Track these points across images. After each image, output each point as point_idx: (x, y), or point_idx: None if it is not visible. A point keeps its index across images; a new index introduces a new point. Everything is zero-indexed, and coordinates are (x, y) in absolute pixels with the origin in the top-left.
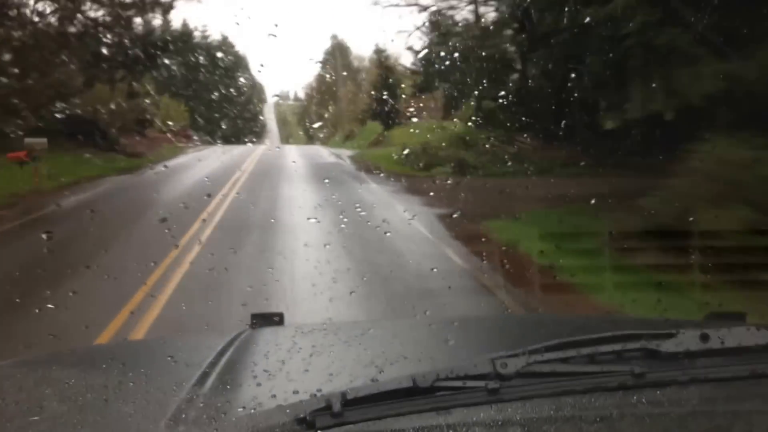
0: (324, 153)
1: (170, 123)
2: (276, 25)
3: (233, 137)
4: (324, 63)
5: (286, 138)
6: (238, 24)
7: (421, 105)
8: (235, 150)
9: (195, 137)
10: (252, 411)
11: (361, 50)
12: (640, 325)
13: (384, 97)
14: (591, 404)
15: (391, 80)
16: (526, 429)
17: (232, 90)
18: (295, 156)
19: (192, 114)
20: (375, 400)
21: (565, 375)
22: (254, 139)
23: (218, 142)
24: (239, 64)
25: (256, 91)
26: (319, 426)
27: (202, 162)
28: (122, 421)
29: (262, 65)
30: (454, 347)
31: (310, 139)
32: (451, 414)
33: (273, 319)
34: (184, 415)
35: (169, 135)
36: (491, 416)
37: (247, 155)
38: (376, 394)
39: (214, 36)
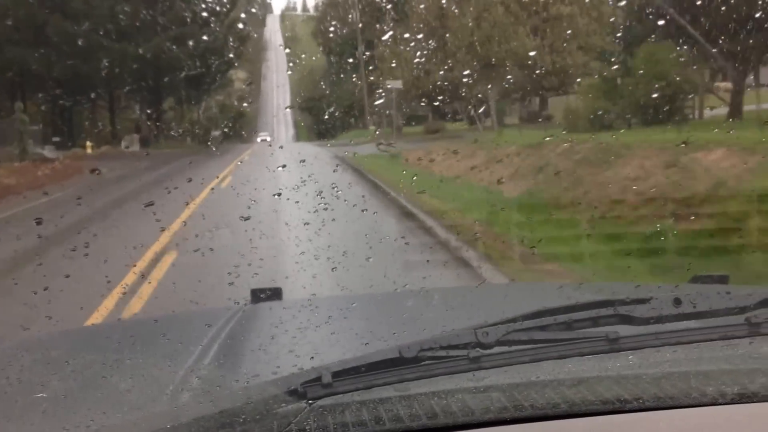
0: None
1: None
2: None
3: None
4: None
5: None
6: None
7: None
8: None
9: None
10: (246, 384)
11: None
12: (614, 291)
13: None
14: (569, 369)
15: None
16: (507, 394)
17: None
18: None
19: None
20: (363, 371)
21: (543, 342)
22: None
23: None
24: None
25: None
26: (310, 396)
27: None
28: (122, 397)
29: None
30: (439, 318)
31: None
32: (435, 382)
33: (272, 295)
34: (182, 388)
35: None
36: (474, 383)
37: None
38: (364, 365)
39: None
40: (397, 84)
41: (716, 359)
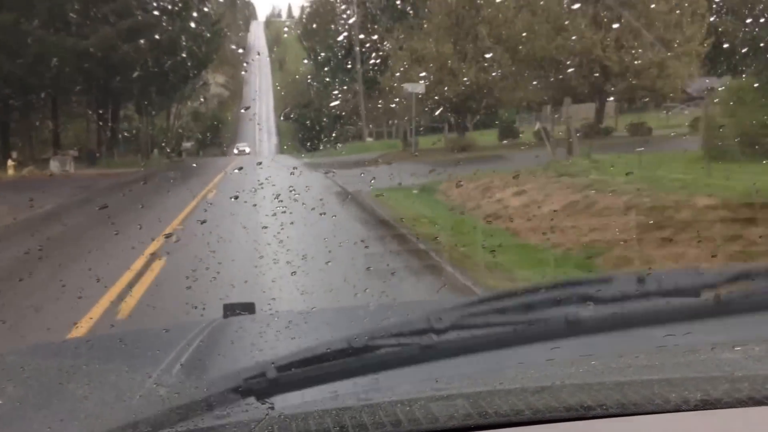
0: None
1: None
2: None
3: None
4: None
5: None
6: None
7: None
8: None
9: None
10: (206, 390)
11: None
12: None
13: None
14: (526, 353)
15: None
16: (472, 401)
17: None
18: None
19: None
20: (310, 364)
21: (500, 325)
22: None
23: None
24: None
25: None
26: (255, 392)
27: None
28: (79, 404)
29: None
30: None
31: None
32: (386, 372)
33: (245, 309)
34: (139, 395)
35: None
36: (427, 371)
37: None
38: (311, 357)
39: None
40: (419, 87)
41: (679, 365)
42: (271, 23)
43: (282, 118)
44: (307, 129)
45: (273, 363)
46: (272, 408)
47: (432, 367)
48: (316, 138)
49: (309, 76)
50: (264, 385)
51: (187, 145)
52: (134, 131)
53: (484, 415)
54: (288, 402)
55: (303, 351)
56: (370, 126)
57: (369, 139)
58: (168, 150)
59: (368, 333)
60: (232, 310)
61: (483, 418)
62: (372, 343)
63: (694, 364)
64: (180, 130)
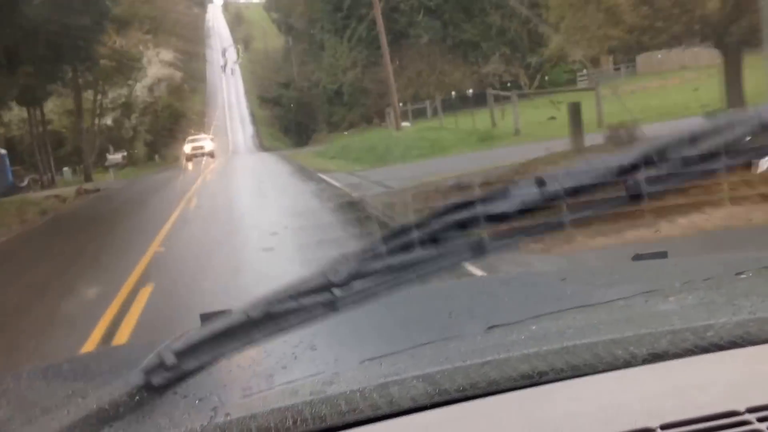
0: None
1: None
2: None
3: None
4: None
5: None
6: None
7: None
8: None
9: None
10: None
11: None
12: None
13: None
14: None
15: None
16: (410, 362)
17: None
18: None
19: None
20: (211, 344)
21: (403, 266)
22: None
23: None
24: None
25: None
26: (156, 385)
27: None
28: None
29: None
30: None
31: None
32: (289, 337)
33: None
34: (55, 405)
35: None
36: (331, 330)
37: None
38: (210, 336)
39: None
40: None
41: (618, 322)
42: (229, 5)
43: (259, 100)
44: (292, 114)
45: (170, 349)
46: (215, 411)
47: (335, 323)
48: (307, 125)
49: (285, 52)
50: (165, 375)
51: (115, 157)
52: (20, 141)
53: (442, 392)
54: (232, 400)
55: (201, 330)
56: (401, 104)
57: (405, 124)
58: (83, 166)
59: (265, 299)
60: (208, 318)
61: (441, 396)
62: (272, 310)
63: (634, 318)
64: (114, 128)
